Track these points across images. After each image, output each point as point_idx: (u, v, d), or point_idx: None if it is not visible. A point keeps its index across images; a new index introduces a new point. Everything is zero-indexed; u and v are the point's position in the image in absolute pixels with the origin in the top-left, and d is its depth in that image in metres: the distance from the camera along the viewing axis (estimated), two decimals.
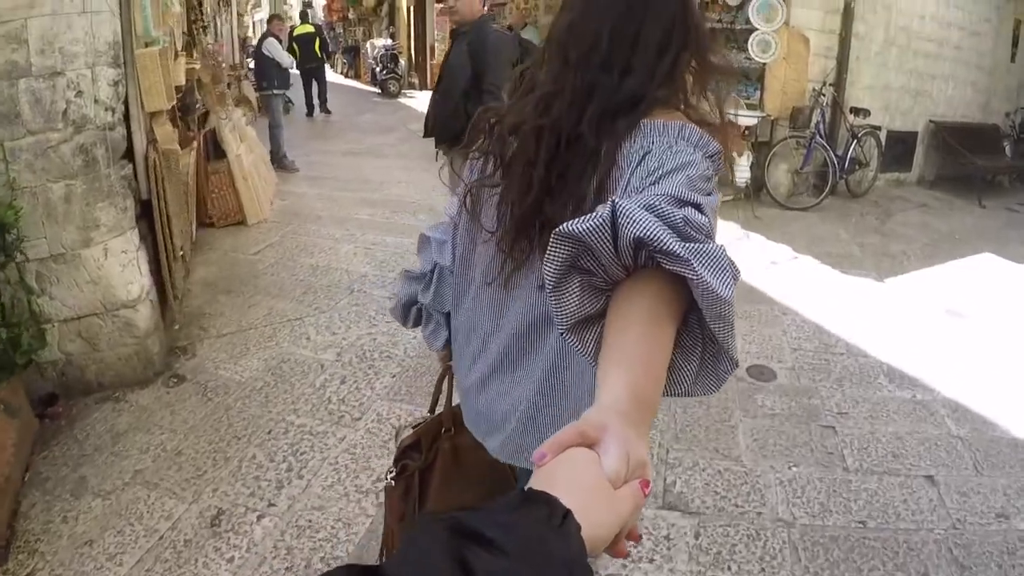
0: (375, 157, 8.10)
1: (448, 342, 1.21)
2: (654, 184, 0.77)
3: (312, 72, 11.92)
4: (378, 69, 14.83)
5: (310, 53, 11.72)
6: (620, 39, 0.91)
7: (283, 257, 4.64)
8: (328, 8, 22.76)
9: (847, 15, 6.34)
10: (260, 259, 4.62)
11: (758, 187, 6.02)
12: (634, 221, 0.61)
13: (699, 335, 0.67)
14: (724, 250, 0.63)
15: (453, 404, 1.25)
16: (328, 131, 10.69)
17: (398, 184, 6.72)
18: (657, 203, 0.66)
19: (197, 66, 5.16)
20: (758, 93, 6.08)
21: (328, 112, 12.16)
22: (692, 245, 0.61)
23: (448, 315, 1.18)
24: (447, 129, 3.01)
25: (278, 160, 7.35)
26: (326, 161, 7.93)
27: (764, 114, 5.95)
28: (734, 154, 5.68)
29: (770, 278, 4.33)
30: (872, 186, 6.77)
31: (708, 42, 0.96)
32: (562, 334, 0.69)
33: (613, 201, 0.63)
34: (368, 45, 17.38)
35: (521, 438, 1.04)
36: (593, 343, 0.69)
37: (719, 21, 6.28)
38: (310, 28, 11.94)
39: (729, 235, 5.19)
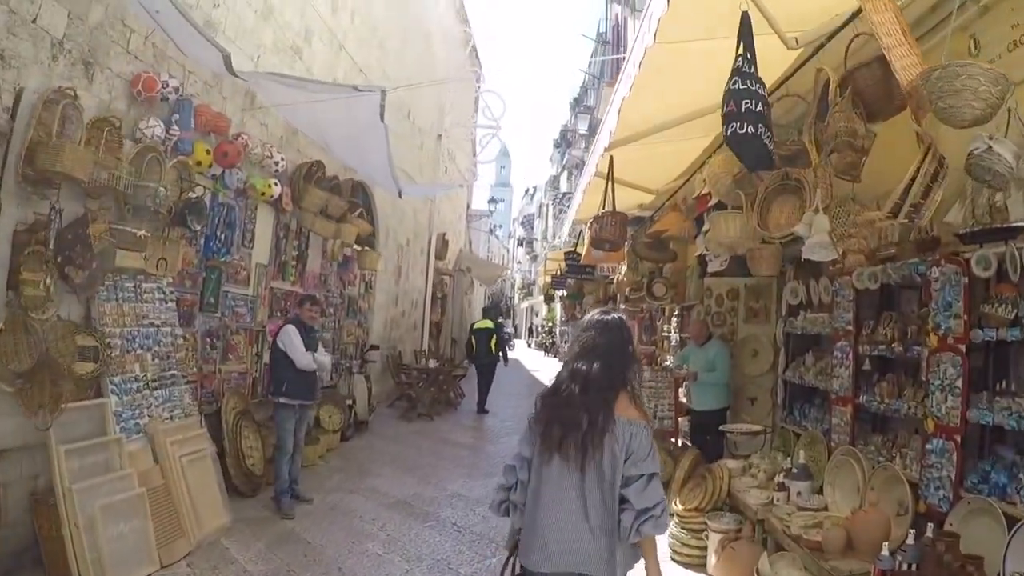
0: (417, 520, 5.32)
1: (520, 522, 2.27)
2: (642, 461, 2.12)
3: (483, 368, 11.59)
4: None
5: (484, 348, 11.57)
6: (590, 354, 2.25)
7: None
8: (564, 306, 23.59)
9: None
10: None
11: None
12: (646, 531, 2.09)
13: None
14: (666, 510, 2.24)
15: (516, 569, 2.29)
16: (436, 449, 8.27)
17: None
18: (654, 505, 2.10)
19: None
20: None
21: (485, 412, 11.29)
22: (662, 519, 2.10)
23: (523, 506, 2.25)
24: None
25: (276, 496, 5.33)
26: (348, 508, 5.52)
27: None
28: None
29: None
30: None
31: (636, 357, 2.38)
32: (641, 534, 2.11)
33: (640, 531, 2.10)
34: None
35: (606, 562, 2.12)
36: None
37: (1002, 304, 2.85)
38: (489, 324, 11.97)
39: None
